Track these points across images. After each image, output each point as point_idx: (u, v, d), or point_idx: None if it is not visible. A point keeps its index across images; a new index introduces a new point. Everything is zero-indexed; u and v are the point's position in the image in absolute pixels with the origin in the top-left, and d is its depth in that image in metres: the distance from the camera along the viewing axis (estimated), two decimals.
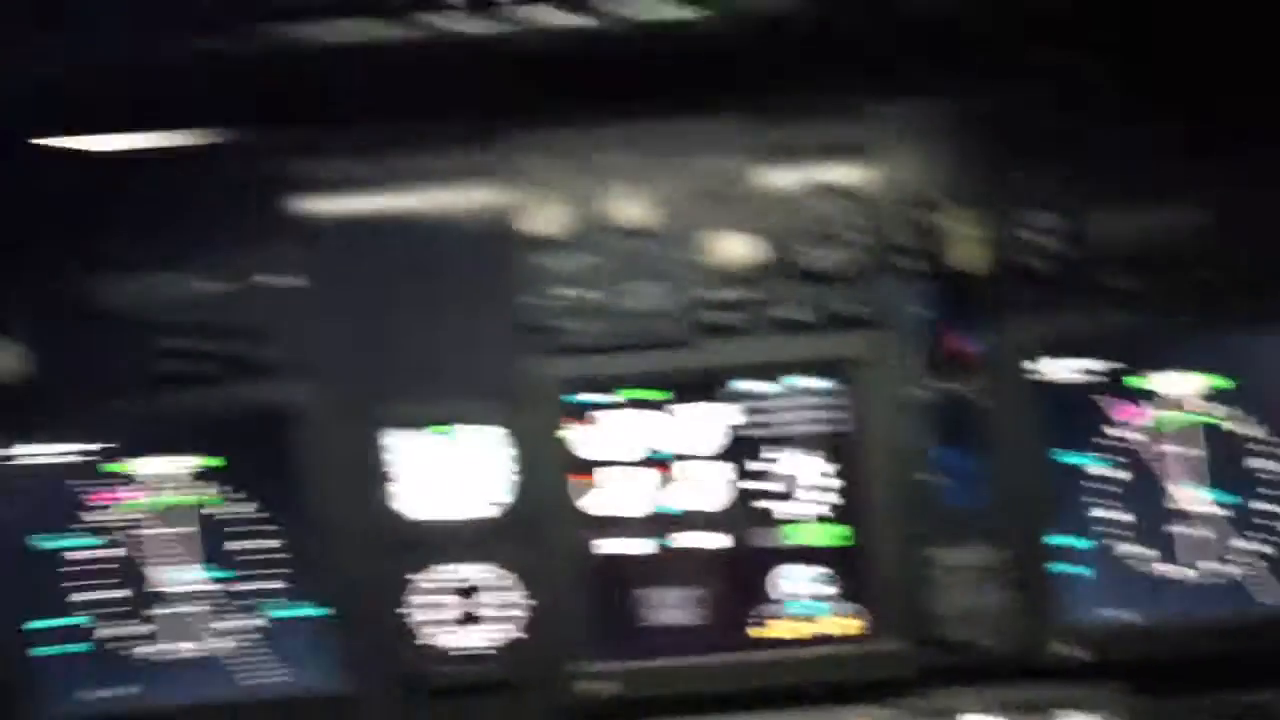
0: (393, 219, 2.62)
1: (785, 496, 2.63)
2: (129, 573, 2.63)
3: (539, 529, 2.62)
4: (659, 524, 2.63)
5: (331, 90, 2.41)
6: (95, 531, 2.61)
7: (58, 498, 2.60)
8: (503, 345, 2.61)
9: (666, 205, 2.63)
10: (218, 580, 2.64)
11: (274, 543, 2.63)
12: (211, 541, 2.64)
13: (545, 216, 2.60)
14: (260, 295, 2.61)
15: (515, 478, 2.62)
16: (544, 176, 2.62)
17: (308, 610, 2.64)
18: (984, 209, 2.59)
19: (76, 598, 2.62)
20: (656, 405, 2.62)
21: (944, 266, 2.59)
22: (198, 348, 2.59)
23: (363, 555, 2.62)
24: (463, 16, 2.22)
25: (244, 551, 2.63)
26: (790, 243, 2.61)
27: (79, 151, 2.57)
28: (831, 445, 2.62)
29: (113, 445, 2.60)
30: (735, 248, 2.61)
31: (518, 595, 2.64)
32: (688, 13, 2.29)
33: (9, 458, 2.58)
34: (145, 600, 2.63)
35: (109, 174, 2.60)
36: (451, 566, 2.63)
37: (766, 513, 2.63)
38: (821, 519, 2.63)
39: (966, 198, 2.61)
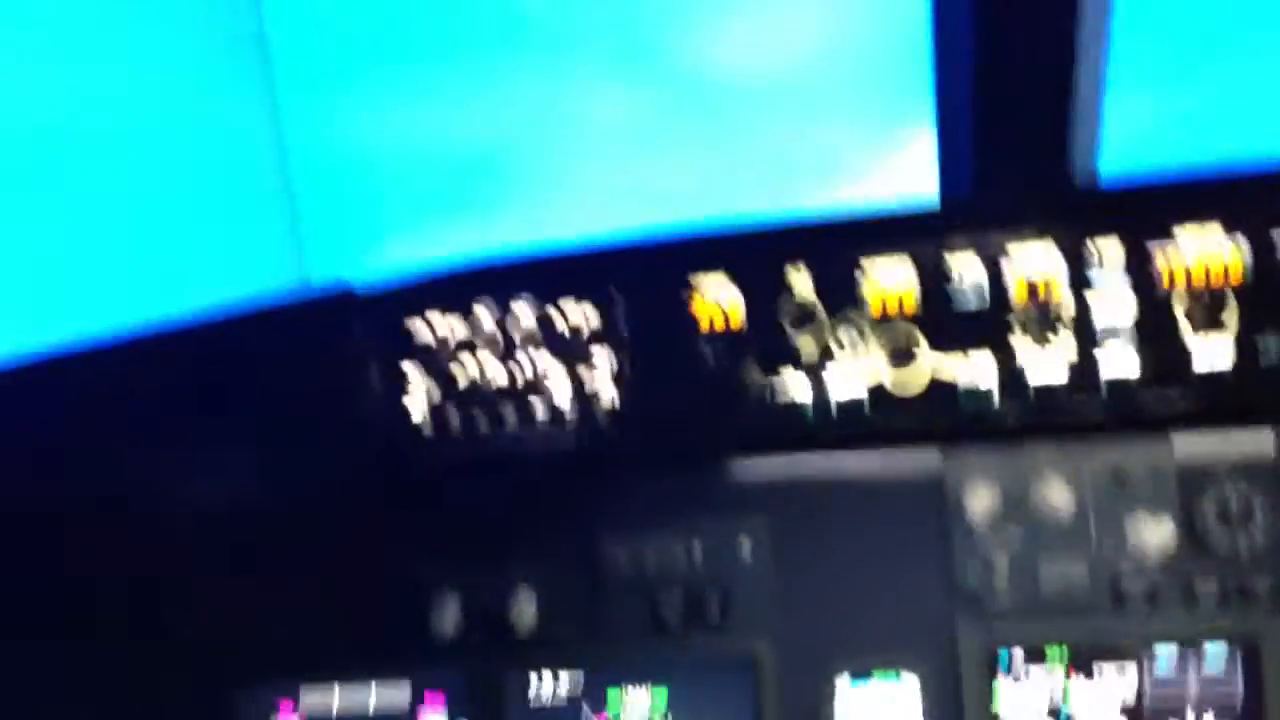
0: (838, 483, 3.04)
1: None
2: None
3: None
4: None
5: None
6: None
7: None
8: (938, 604, 2.98)
9: (1087, 485, 2.96)
10: None
11: None
12: None
13: (979, 492, 2.98)
14: (720, 554, 3.08)
15: None
16: (979, 460, 3.00)
17: None
18: None
19: None
20: (1074, 668, 2.93)
21: None
22: (672, 601, 3.07)
23: None
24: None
25: None
26: (1204, 520, 2.87)
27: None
28: (1239, 716, 2.86)
29: (601, 679, 3.11)
30: (1151, 525, 2.91)
31: None
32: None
33: (525, 686, 3.13)
34: None
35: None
36: None
37: None
38: None
39: None
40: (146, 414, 2.93)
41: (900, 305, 2.77)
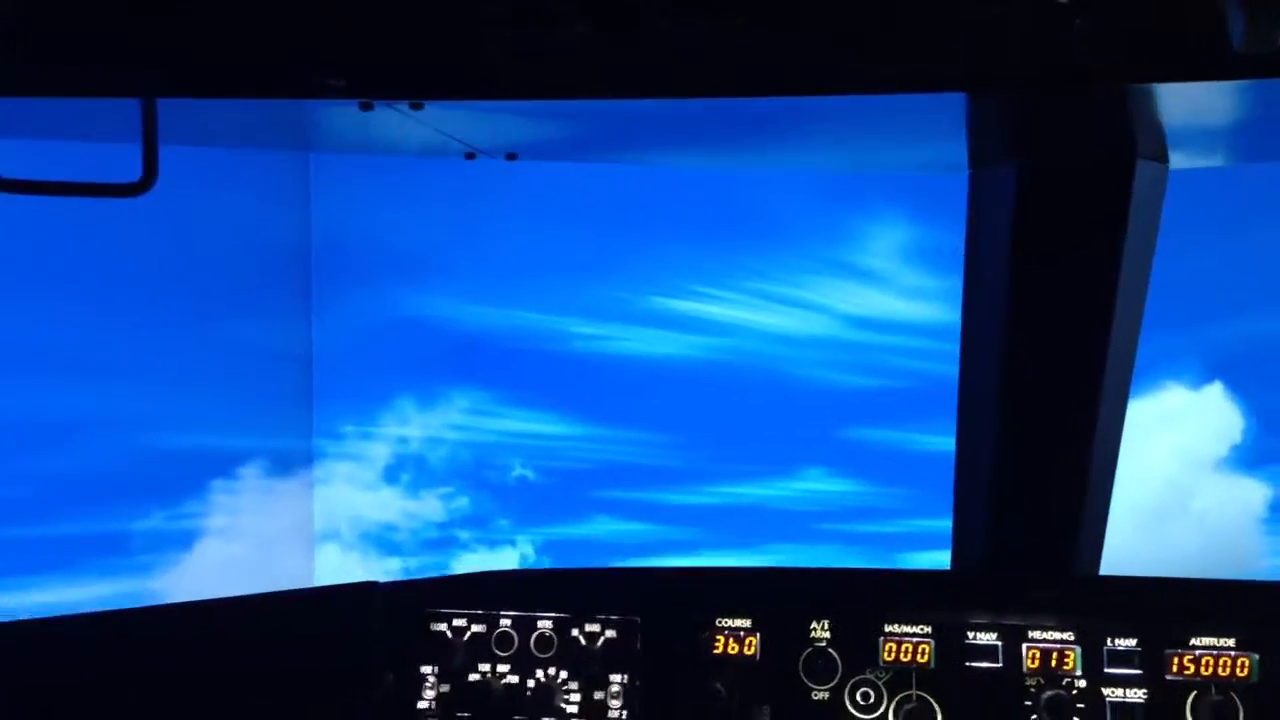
0: None
1: None
2: None
3: None
4: None
5: None
6: None
7: None
8: None
9: None
10: None
11: None
12: None
13: None
14: None
15: None
16: None
17: None
18: None
19: None
20: None
21: None
22: None
23: None
24: None
25: None
26: None
27: None
28: None
29: None
30: None
31: None
32: None
33: None
34: None
35: None
36: None
37: None
38: None
39: None
40: (152, 690, 2.79)
41: (914, 662, 2.79)
